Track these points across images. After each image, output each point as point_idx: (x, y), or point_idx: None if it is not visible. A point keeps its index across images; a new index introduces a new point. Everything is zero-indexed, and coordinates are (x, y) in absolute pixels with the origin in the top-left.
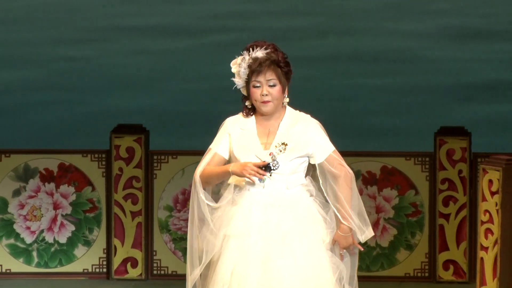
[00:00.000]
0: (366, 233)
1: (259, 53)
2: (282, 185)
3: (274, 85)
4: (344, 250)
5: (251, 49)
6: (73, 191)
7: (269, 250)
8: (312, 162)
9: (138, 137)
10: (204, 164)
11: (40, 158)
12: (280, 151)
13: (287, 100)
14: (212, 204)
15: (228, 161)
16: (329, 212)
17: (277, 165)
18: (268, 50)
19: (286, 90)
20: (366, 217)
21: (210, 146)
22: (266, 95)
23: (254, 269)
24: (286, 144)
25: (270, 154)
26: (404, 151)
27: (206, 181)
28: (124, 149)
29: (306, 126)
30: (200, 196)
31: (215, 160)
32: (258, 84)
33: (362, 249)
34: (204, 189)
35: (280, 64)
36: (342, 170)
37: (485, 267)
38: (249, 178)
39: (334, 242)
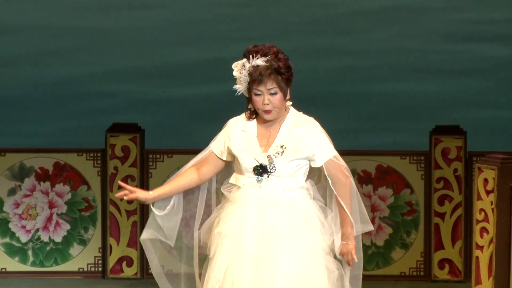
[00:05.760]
0: (365, 226)
1: (259, 61)
2: (279, 188)
3: (275, 93)
4: (341, 257)
5: (251, 56)
6: (68, 190)
7: (262, 251)
8: (312, 166)
9: (134, 136)
10: (196, 160)
11: (36, 157)
12: (278, 153)
13: (289, 104)
14: (159, 213)
15: (226, 163)
16: (327, 217)
17: (274, 168)
18: (268, 57)
19: (288, 94)
20: (366, 214)
21: (210, 145)
22: (268, 104)
23: (247, 269)
24: (284, 147)
25: (267, 157)
26: (399, 150)
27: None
28: (120, 148)
29: (308, 129)
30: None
31: (209, 160)
32: (259, 93)
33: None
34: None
35: (281, 71)
36: (340, 176)
37: (481, 266)
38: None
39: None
